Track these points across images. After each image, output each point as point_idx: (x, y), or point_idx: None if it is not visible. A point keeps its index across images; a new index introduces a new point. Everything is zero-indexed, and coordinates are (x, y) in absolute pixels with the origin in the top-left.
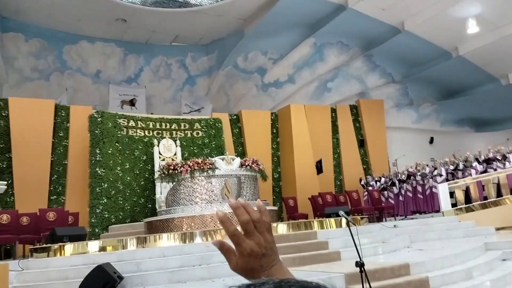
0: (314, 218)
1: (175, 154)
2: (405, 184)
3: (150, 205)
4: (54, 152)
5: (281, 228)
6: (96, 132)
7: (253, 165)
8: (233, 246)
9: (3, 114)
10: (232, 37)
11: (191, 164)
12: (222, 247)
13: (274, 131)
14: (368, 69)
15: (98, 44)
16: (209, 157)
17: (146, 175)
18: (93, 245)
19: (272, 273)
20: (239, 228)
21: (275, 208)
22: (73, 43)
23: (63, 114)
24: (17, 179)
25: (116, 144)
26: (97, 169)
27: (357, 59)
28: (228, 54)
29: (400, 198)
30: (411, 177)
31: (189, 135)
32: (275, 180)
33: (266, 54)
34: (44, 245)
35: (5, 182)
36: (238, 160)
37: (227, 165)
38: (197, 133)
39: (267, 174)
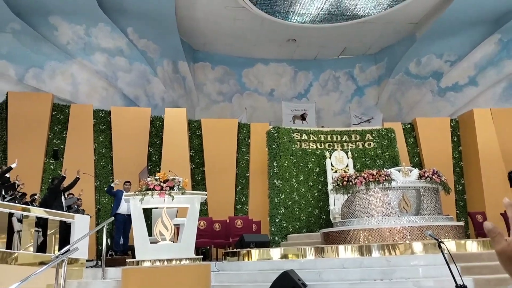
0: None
1: (347, 166)
2: None
3: (324, 216)
4: (238, 165)
5: (471, 246)
6: (273, 146)
7: (433, 177)
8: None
9: (197, 133)
10: (402, 43)
11: (365, 175)
12: (494, 230)
13: (455, 139)
14: None
15: (271, 65)
16: (384, 169)
17: (320, 187)
18: (275, 252)
19: None
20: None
21: (461, 223)
22: (250, 66)
23: (244, 131)
24: (210, 189)
25: (291, 157)
26: (275, 181)
27: None
28: (399, 61)
29: None
30: None
31: (360, 146)
32: (458, 192)
33: (442, 57)
34: (235, 250)
35: (206, 193)
36: (416, 171)
37: (404, 176)
38: (369, 144)
39: (450, 186)
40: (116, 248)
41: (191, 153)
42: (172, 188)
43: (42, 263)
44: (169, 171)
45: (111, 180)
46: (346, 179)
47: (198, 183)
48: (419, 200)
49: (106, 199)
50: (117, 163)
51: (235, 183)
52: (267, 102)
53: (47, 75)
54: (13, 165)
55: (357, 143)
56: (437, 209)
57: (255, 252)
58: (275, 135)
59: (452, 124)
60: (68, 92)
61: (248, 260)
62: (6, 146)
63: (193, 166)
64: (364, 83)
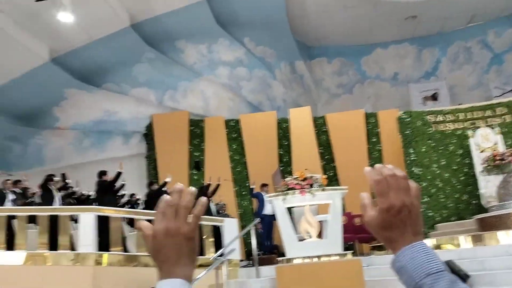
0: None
1: (495, 144)
2: None
3: (474, 201)
4: (370, 157)
5: None
6: (407, 132)
7: None
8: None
9: (323, 129)
10: None
11: None
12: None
13: None
14: None
15: (391, 48)
16: None
17: (465, 170)
18: (427, 243)
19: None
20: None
21: None
22: (368, 53)
23: (372, 121)
24: (343, 184)
25: (428, 141)
26: (413, 169)
27: None
28: None
29: None
30: None
31: (508, 120)
32: None
33: None
34: (382, 243)
35: (346, 187)
36: None
37: None
38: None
39: None
40: (263, 247)
41: (320, 150)
42: (311, 185)
43: (199, 266)
44: (305, 169)
45: (247, 185)
46: (499, 158)
47: (331, 179)
48: None
49: (246, 202)
50: (251, 168)
51: None
52: (391, 88)
53: (180, 95)
54: (167, 179)
55: (504, 116)
56: None
57: None
58: (407, 120)
59: None
60: (200, 107)
61: None
62: (155, 163)
63: (324, 162)
64: (502, 49)
